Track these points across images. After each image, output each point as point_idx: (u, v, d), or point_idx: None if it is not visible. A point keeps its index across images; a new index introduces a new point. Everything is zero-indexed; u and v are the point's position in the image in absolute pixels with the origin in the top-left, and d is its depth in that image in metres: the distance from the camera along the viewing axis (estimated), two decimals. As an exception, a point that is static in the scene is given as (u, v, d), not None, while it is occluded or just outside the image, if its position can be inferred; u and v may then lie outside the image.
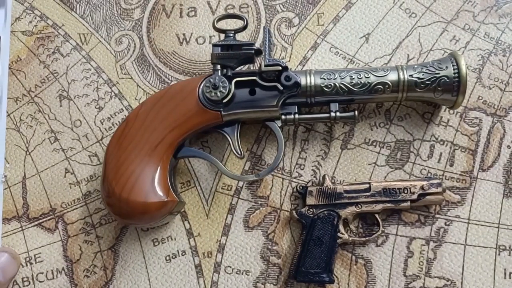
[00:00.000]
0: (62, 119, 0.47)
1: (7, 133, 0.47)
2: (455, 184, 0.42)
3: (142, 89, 0.46)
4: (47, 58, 0.49)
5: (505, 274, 0.42)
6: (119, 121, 0.46)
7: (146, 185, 0.39)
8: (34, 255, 0.46)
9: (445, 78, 0.39)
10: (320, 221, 0.42)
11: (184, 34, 0.47)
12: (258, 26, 0.46)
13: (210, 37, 0.47)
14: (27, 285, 0.44)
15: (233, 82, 0.39)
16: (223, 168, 0.41)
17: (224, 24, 0.44)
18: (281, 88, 0.39)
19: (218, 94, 0.39)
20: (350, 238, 0.42)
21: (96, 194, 0.46)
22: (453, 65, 0.39)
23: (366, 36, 0.46)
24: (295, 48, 0.45)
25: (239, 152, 0.41)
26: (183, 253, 0.43)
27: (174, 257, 0.43)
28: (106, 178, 0.39)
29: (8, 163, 0.47)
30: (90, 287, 0.44)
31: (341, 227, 0.42)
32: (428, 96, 0.40)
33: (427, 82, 0.39)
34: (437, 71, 0.39)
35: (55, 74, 0.48)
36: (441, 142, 0.44)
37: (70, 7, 0.49)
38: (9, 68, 0.48)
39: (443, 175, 0.43)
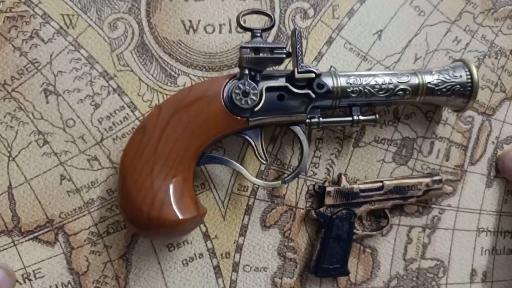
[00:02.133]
0: (50, 118, 0.37)
1: (-20, 135, 0.38)
2: (449, 177, 0.43)
3: (146, 83, 0.38)
4: (23, 43, 0.38)
5: (481, 251, 0.44)
6: (120, 120, 0.40)
7: (176, 201, 0.33)
8: (33, 271, 0.39)
9: (459, 86, 0.38)
10: (338, 219, 0.43)
11: (190, 21, 0.38)
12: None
13: (220, 25, 0.38)
14: None
15: (263, 88, 0.34)
16: (248, 175, 0.36)
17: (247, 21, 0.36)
18: (313, 96, 0.35)
19: (249, 101, 0.34)
20: (364, 233, 0.44)
21: (100, 201, 0.38)
22: (466, 74, 0.38)
23: (379, 33, 0.42)
24: (310, 42, 0.40)
25: (264, 158, 0.36)
26: (201, 256, 0.39)
27: (191, 260, 0.39)
28: (128, 196, 0.32)
29: None
30: None
31: (356, 224, 0.44)
32: (442, 100, 0.39)
33: (443, 89, 0.38)
34: (452, 79, 0.38)
35: (36, 64, 0.39)
36: (440, 139, 0.43)
37: (47, -20, 0.38)
38: (-28, 54, 0.38)
39: (439, 169, 0.42)
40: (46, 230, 0.37)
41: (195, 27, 0.39)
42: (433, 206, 0.43)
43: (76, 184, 0.37)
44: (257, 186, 0.40)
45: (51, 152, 0.37)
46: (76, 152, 0.37)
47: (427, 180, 0.41)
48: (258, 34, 0.35)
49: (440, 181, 0.41)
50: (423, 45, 0.42)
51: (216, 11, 0.39)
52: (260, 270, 0.40)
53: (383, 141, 0.42)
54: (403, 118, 0.42)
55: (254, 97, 0.34)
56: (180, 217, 0.33)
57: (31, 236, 0.37)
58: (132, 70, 0.38)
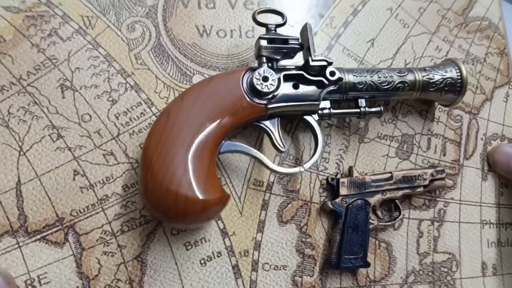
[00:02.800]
0: (66, 113, 0.36)
1: (-10, 130, 0.36)
2: (448, 171, 0.45)
3: (162, 81, 0.39)
4: (41, 41, 0.39)
5: (488, 243, 0.46)
6: (137, 116, 0.40)
7: (204, 181, 0.32)
8: (38, 276, 0.36)
9: (451, 79, 0.42)
10: (354, 209, 0.43)
11: (204, 26, 0.41)
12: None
13: (231, 31, 0.42)
14: None
15: (281, 75, 0.37)
16: (270, 163, 0.36)
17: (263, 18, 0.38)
18: (326, 82, 0.37)
19: (269, 86, 0.35)
20: (379, 223, 0.44)
21: (114, 198, 0.38)
22: (456, 71, 0.42)
23: (372, 41, 0.48)
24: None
25: (282, 145, 0.37)
26: (219, 255, 0.38)
27: (209, 259, 0.37)
28: (155, 177, 0.31)
29: None
30: None
31: (371, 214, 0.44)
32: (436, 95, 0.42)
33: (437, 82, 0.42)
34: (444, 75, 0.42)
35: (54, 61, 0.39)
36: (435, 136, 0.46)
37: (69, -15, 0.40)
38: (-10, 49, 0.38)
39: (439, 163, 0.46)
40: (55, 229, 0.35)
41: (208, 32, 0.41)
42: (438, 199, 0.45)
43: (90, 180, 0.36)
44: (272, 181, 0.40)
45: (65, 146, 0.36)
46: (92, 147, 0.37)
47: (431, 170, 0.43)
48: (272, 29, 0.37)
49: (442, 171, 0.43)
50: (410, 52, 0.47)
51: (227, 18, 0.42)
52: (280, 269, 0.39)
53: (385, 137, 0.44)
54: (401, 116, 0.45)
55: (273, 83, 0.36)
56: (208, 196, 0.33)
57: (38, 237, 0.34)
58: (149, 69, 0.39)
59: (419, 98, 0.44)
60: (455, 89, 0.42)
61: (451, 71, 0.43)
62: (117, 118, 0.38)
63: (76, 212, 0.35)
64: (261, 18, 0.38)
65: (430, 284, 0.43)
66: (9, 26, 0.36)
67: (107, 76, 0.38)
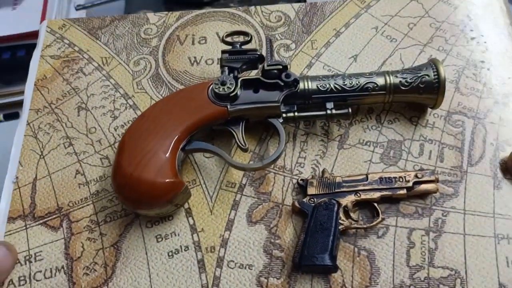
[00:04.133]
0: (78, 127, 0.46)
1: (24, 139, 0.48)
2: (447, 178, 0.41)
3: (155, 101, 0.46)
4: (70, 76, 0.51)
5: (507, 262, 0.38)
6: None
7: (157, 165, 0.37)
8: (35, 253, 0.42)
9: (426, 76, 0.41)
10: (321, 208, 0.41)
11: (195, 57, 0.48)
12: (261, 51, 0.51)
13: (218, 59, 0.51)
14: (23, 284, 0.41)
15: (239, 80, 0.41)
16: (229, 158, 0.40)
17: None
18: (282, 84, 0.40)
19: (226, 89, 0.40)
20: (352, 225, 0.42)
21: (103, 193, 0.44)
22: (432, 68, 0.41)
23: (354, 56, 0.49)
24: (293, 67, 0.47)
25: (243, 144, 0.40)
26: (186, 249, 0.40)
27: (176, 252, 0.40)
28: (120, 162, 0.38)
29: (22, 166, 0.47)
30: (89, 285, 0.41)
31: (341, 215, 0.42)
32: (413, 96, 0.41)
33: (410, 81, 0.41)
34: (418, 72, 0.41)
35: (76, 90, 0.51)
36: (430, 141, 0.43)
37: (95, 36, 0.54)
38: (35, 84, 0.51)
39: (435, 170, 0.42)
40: (54, 216, 0.42)
41: (198, 61, 0.49)
42: (434, 207, 0.41)
43: (87, 178, 0.44)
44: (244, 184, 0.43)
45: (73, 152, 0.45)
46: (92, 152, 0.45)
47: (415, 172, 0.40)
48: (237, 45, 0.44)
49: (431, 173, 0.40)
50: (399, 63, 0.47)
51: (215, 49, 0.50)
52: (245, 268, 0.39)
53: (368, 143, 0.44)
54: (387, 123, 0.45)
55: (230, 86, 0.41)
56: (161, 179, 0.37)
57: (41, 221, 0.42)
58: (146, 92, 0.48)
59: (401, 101, 0.43)
60: (432, 87, 0.41)
61: (426, 69, 0.42)
62: (115, 130, 0.46)
63: (72, 203, 0.43)
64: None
65: (425, 303, 0.37)
66: (51, 68, 0.50)
67: (113, 99, 0.48)
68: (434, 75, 0.41)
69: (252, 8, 0.52)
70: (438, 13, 0.50)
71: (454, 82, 0.46)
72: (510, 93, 0.45)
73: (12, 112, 0.70)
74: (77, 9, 0.75)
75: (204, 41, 0.50)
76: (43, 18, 0.68)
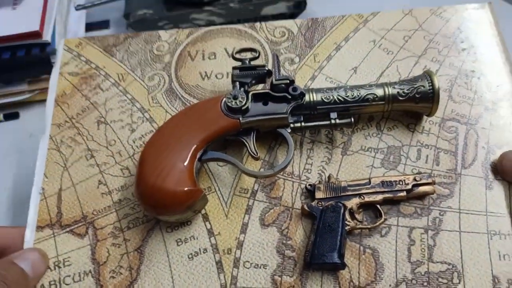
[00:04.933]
0: (98, 140, 0.49)
1: (48, 153, 0.51)
2: (443, 180, 0.45)
3: (170, 114, 0.49)
4: (88, 92, 0.55)
5: (499, 256, 0.42)
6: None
7: (176, 175, 0.41)
8: (63, 259, 0.46)
9: (422, 87, 0.45)
10: (329, 211, 0.45)
11: (206, 72, 0.52)
12: (268, 65, 0.54)
13: (227, 73, 0.54)
14: None
15: (250, 94, 0.45)
16: (242, 166, 0.43)
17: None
18: (289, 97, 0.44)
19: (238, 102, 0.43)
20: (357, 225, 0.45)
21: (126, 201, 0.48)
22: (427, 79, 0.45)
23: (354, 68, 0.53)
24: (297, 79, 0.50)
25: (255, 153, 0.43)
26: (205, 251, 0.43)
27: (196, 255, 0.43)
28: (142, 174, 0.41)
29: (47, 178, 0.51)
30: (115, 287, 0.45)
31: (347, 216, 0.46)
32: (410, 105, 0.45)
33: (407, 91, 0.44)
34: (414, 83, 0.45)
35: (95, 105, 0.54)
36: (426, 146, 0.46)
37: (110, 54, 0.57)
38: (55, 101, 0.54)
39: (431, 173, 0.45)
40: (80, 224, 0.46)
41: (209, 75, 0.53)
42: (431, 207, 0.45)
43: (109, 187, 0.47)
44: (256, 189, 0.46)
45: (94, 163, 0.48)
46: (113, 163, 0.48)
47: (414, 175, 0.44)
48: (246, 62, 0.47)
49: (428, 176, 0.44)
50: (396, 74, 0.51)
51: (225, 64, 0.53)
52: (260, 267, 0.43)
53: (369, 150, 0.47)
54: (386, 130, 0.48)
55: (241, 99, 0.44)
56: (177, 187, 0.41)
57: (67, 229, 0.46)
58: (161, 106, 0.51)
59: (399, 110, 0.47)
60: (428, 97, 0.45)
61: (421, 80, 0.46)
62: (133, 142, 0.49)
63: (97, 212, 0.46)
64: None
65: (426, 295, 0.41)
66: (69, 84, 0.53)
67: (130, 113, 0.51)
68: (429, 86, 0.45)
69: (258, 24, 0.55)
70: (431, 26, 0.54)
71: (447, 91, 0.50)
72: (499, 100, 0.49)
73: (12, 112, 0.70)
74: (77, 9, 0.75)
75: (213, 56, 0.54)
76: (43, 18, 0.67)
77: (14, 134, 0.68)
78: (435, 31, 0.54)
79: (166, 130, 0.45)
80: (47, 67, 0.65)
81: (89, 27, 0.81)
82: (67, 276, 0.44)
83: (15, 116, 0.69)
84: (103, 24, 0.83)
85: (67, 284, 0.43)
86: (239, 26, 0.56)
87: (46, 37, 0.65)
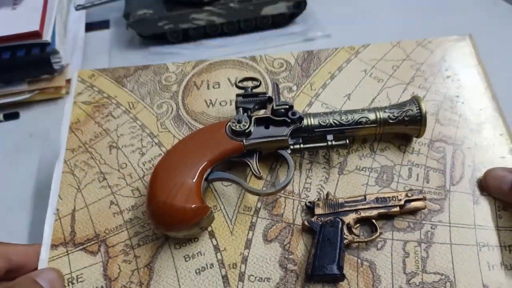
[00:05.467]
0: (110, 163, 0.53)
1: (62, 176, 0.54)
2: (433, 196, 0.48)
3: (177, 138, 0.53)
4: (101, 119, 0.59)
5: (488, 266, 0.44)
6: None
7: (185, 193, 0.45)
8: (76, 276, 0.48)
9: (410, 111, 0.49)
10: (327, 225, 0.48)
11: (210, 100, 0.56)
12: (268, 93, 0.59)
13: (231, 100, 0.58)
14: None
15: (252, 118, 0.49)
16: (245, 185, 0.46)
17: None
18: (289, 121, 0.48)
19: (241, 126, 0.47)
20: (355, 239, 0.48)
21: (136, 220, 0.51)
22: (415, 104, 0.49)
23: (348, 95, 0.58)
24: (296, 105, 0.54)
25: (258, 172, 0.47)
26: (211, 266, 0.46)
27: (203, 270, 0.45)
28: (153, 193, 0.44)
29: (61, 199, 0.54)
30: None
31: (345, 230, 0.48)
32: (400, 127, 0.49)
33: (396, 115, 0.48)
34: (403, 107, 0.49)
35: (107, 131, 0.58)
36: (416, 165, 0.50)
37: (122, 84, 0.61)
38: (70, 127, 0.58)
39: (422, 189, 0.48)
40: (92, 242, 0.48)
41: (213, 103, 0.57)
42: (423, 222, 0.48)
43: (121, 207, 0.50)
44: (259, 207, 0.50)
45: (106, 185, 0.52)
46: (124, 185, 0.52)
47: (406, 191, 0.48)
48: (249, 89, 0.51)
49: (419, 192, 0.48)
50: (386, 100, 0.55)
51: (228, 93, 0.58)
52: (264, 280, 0.45)
53: (364, 169, 0.51)
54: (379, 151, 0.52)
55: (245, 123, 0.48)
56: (188, 205, 0.44)
57: (80, 247, 0.48)
58: (169, 131, 0.55)
59: (390, 132, 0.51)
60: (416, 120, 0.49)
61: (409, 104, 0.50)
62: (143, 165, 0.53)
63: (108, 231, 0.49)
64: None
65: (421, 304, 0.43)
66: (83, 112, 0.57)
67: (140, 138, 0.55)
68: (417, 110, 0.49)
69: (258, 56, 0.60)
70: (418, 56, 0.59)
71: (434, 115, 0.54)
72: (482, 122, 0.54)
73: (12, 112, 0.69)
74: (77, 9, 0.75)
75: (217, 85, 0.58)
76: (43, 18, 0.66)
77: (14, 134, 0.67)
78: (421, 61, 0.59)
79: (174, 153, 0.48)
80: (47, 67, 0.66)
81: (89, 27, 0.81)
82: (80, 292, 0.46)
83: (15, 116, 0.69)
84: (103, 24, 0.83)
85: (80, 300, 0.45)
86: (240, 59, 0.60)
87: (46, 37, 0.65)
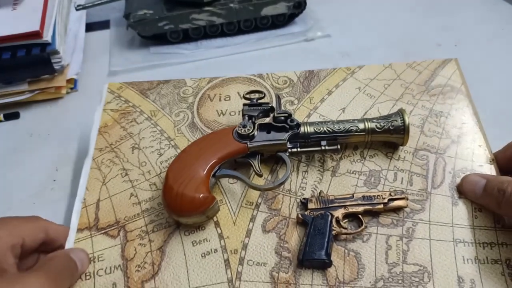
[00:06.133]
0: (132, 162, 0.61)
1: (90, 171, 0.62)
2: (415, 197, 0.53)
3: (191, 142, 0.64)
4: (126, 124, 0.66)
5: (463, 259, 0.49)
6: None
7: (195, 184, 0.51)
8: (98, 256, 0.54)
9: (395, 121, 0.56)
10: (318, 218, 0.53)
11: (221, 110, 0.65)
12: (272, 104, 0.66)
13: (239, 111, 0.66)
14: (88, 279, 0.52)
15: (256, 124, 0.57)
16: (248, 180, 0.53)
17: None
18: (288, 127, 0.55)
19: (246, 130, 0.55)
20: (342, 232, 0.53)
21: (152, 210, 0.57)
22: (399, 116, 0.55)
23: (343, 109, 0.64)
24: (296, 116, 0.63)
25: (259, 170, 0.54)
26: (215, 251, 0.51)
27: (208, 254, 0.51)
28: (168, 184, 0.50)
29: (88, 190, 0.61)
30: (140, 278, 0.52)
31: (334, 223, 0.54)
32: (386, 136, 0.55)
33: (383, 125, 0.55)
34: (389, 118, 0.56)
35: (131, 134, 0.65)
36: (401, 171, 0.56)
37: (145, 95, 0.70)
38: (98, 130, 0.67)
39: (406, 192, 0.54)
40: (113, 228, 0.55)
41: (224, 113, 0.64)
42: (406, 219, 0.53)
43: (139, 199, 0.57)
44: (259, 202, 0.56)
45: (128, 180, 0.59)
46: (143, 180, 0.59)
47: (390, 191, 0.53)
48: (254, 100, 0.59)
49: (402, 192, 0.53)
50: (377, 114, 0.62)
51: (237, 104, 0.65)
52: (261, 265, 0.51)
53: (354, 172, 0.57)
54: (368, 157, 0.58)
55: (249, 128, 0.55)
56: (197, 195, 0.50)
57: (102, 232, 0.55)
58: (184, 136, 0.62)
59: (378, 140, 0.57)
60: (400, 130, 0.55)
61: (395, 116, 0.56)
62: (161, 163, 0.60)
63: (127, 218, 0.56)
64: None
65: (401, 291, 0.48)
66: (111, 119, 0.65)
67: (159, 141, 0.62)
68: (401, 121, 0.56)
69: (265, 74, 0.68)
70: (407, 76, 0.66)
71: (419, 127, 0.60)
72: (463, 135, 0.59)
73: (12, 112, 0.69)
74: (77, 9, 0.74)
75: (228, 98, 0.66)
76: (43, 18, 0.66)
77: (15, 134, 0.68)
78: (410, 80, 0.65)
79: (188, 151, 0.55)
80: (48, 67, 0.66)
81: (90, 27, 0.79)
82: (100, 269, 0.52)
83: (15, 116, 0.69)
84: (103, 24, 0.82)
85: (99, 276, 0.52)
86: (249, 76, 0.68)
87: (46, 37, 0.65)
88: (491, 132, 0.59)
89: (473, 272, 0.49)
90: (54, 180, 0.65)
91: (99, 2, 0.76)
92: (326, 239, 0.50)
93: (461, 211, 0.53)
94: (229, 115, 0.64)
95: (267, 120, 0.58)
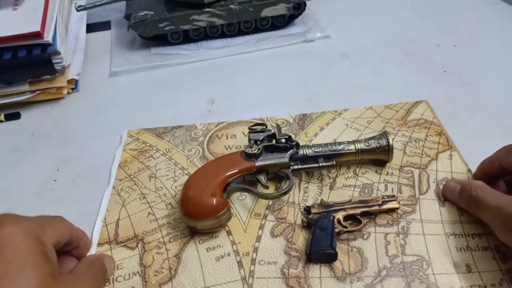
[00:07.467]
0: (149, 187, 0.66)
1: (110, 197, 0.66)
2: (406, 202, 0.58)
3: None
4: (144, 159, 0.72)
5: (456, 249, 0.53)
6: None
7: (210, 192, 0.56)
8: (117, 265, 0.55)
9: (381, 141, 0.65)
10: (321, 218, 0.57)
11: (228, 145, 0.72)
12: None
13: (245, 145, 0.74)
14: (107, 285, 0.54)
15: (261, 145, 0.66)
16: (256, 190, 0.59)
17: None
18: (289, 146, 0.65)
19: (253, 150, 0.64)
20: (344, 229, 0.57)
21: (168, 224, 0.60)
22: (384, 137, 0.66)
23: (334, 140, 0.74)
24: None
25: (265, 183, 0.61)
26: (228, 255, 0.54)
27: (222, 257, 0.54)
28: (187, 195, 0.56)
29: (108, 212, 0.64)
30: (157, 282, 0.53)
31: (336, 223, 0.57)
32: (373, 154, 0.62)
33: (371, 145, 0.65)
34: (375, 139, 0.66)
35: (148, 167, 0.71)
36: (391, 183, 0.62)
37: (161, 137, 0.77)
38: (119, 165, 0.72)
39: (396, 197, 0.62)
40: (132, 241, 0.59)
41: (231, 147, 0.72)
42: (399, 220, 0.58)
43: (156, 216, 0.61)
44: (267, 213, 0.61)
45: (146, 202, 0.64)
46: (160, 201, 0.64)
47: (383, 195, 0.59)
48: (258, 130, 0.67)
49: (393, 196, 0.59)
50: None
51: (242, 141, 0.73)
52: (272, 264, 0.54)
53: (349, 186, 0.63)
54: (361, 174, 0.65)
55: (255, 148, 0.63)
56: (212, 202, 0.56)
57: (121, 245, 0.58)
58: (196, 166, 0.69)
59: (367, 158, 0.65)
60: (385, 148, 0.63)
61: (381, 138, 0.65)
62: (175, 188, 0.65)
63: (146, 232, 0.59)
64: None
65: (403, 277, 0.51)
66: (130, 156, 0.72)
67: (174, 170, 0.68)
68: (385, 141, 0.64)
69: (265, 118, 0.77)
70: (386, 115, 0.75)
71: (402, 150, 0.68)
72: (440, 153, 0.67)
73: (13, 112, 0.68)
74: (78, 10, 0.73)
75: (234, 136, 0.74)
76: (44, 18, 0.65)
77: (15, 134, 0.67)
78: (389, 117, 0.75)
79: (204, 168, 0.61)
80: (48, 67, 0.64)
81: (90, 28, 0.79)
82: (119, 276, 0.54)
83: (16, 116, 0.68)
84: (104, 25, 0.81)
85: (118, 282, 0.53)
86: (252, 119, 0.78)
87: (47, 37, 0.65)
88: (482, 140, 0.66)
89: (467, 258, 0.52)
90: (55, 180, 0.65)
91: (100, 3, 0.75)
92: (330, 235, 0.54)
93: (448, 210, 0.58)
94: (235, 149, 0.71)
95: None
